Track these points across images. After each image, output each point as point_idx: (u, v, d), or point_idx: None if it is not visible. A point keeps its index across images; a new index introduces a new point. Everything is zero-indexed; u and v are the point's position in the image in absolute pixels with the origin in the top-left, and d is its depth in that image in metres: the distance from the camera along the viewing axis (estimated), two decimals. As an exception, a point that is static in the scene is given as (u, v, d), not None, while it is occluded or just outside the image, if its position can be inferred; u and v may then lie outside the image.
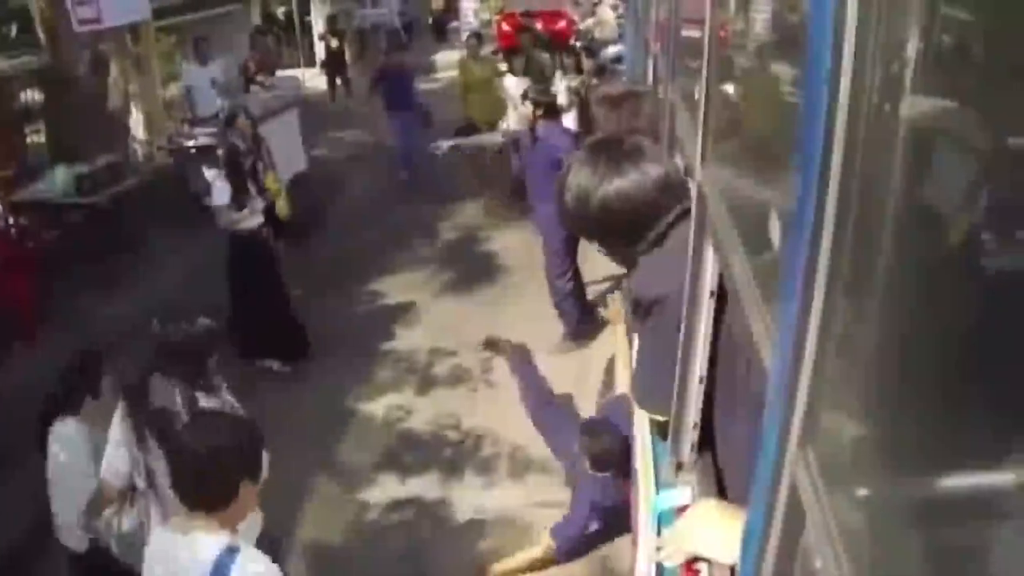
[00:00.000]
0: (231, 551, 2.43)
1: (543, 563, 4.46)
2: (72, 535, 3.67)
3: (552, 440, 4.69)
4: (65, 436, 3.53)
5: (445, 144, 8.74)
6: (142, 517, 3.47)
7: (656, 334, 2.24)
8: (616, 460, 3.98)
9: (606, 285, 7.24)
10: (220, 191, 6.19)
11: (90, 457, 3.53)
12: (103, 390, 3.66)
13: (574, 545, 4.33)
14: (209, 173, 6.21)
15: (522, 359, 5.13)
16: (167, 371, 3.47)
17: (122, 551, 3.55)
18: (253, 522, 3.29)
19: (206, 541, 2.45)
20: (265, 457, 2.69)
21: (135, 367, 3.69)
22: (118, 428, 3.42)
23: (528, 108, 6.62)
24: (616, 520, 3.91)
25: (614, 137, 2.33)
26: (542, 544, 4.52)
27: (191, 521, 2.52)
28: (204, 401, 3.44)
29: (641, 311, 2.29)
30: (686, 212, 2.17)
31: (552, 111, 6.68)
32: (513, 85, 9.60)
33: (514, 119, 9.20)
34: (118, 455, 3.41)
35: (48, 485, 3.64)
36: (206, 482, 2.48)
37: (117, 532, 3.54)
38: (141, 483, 3.42)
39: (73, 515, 3.61)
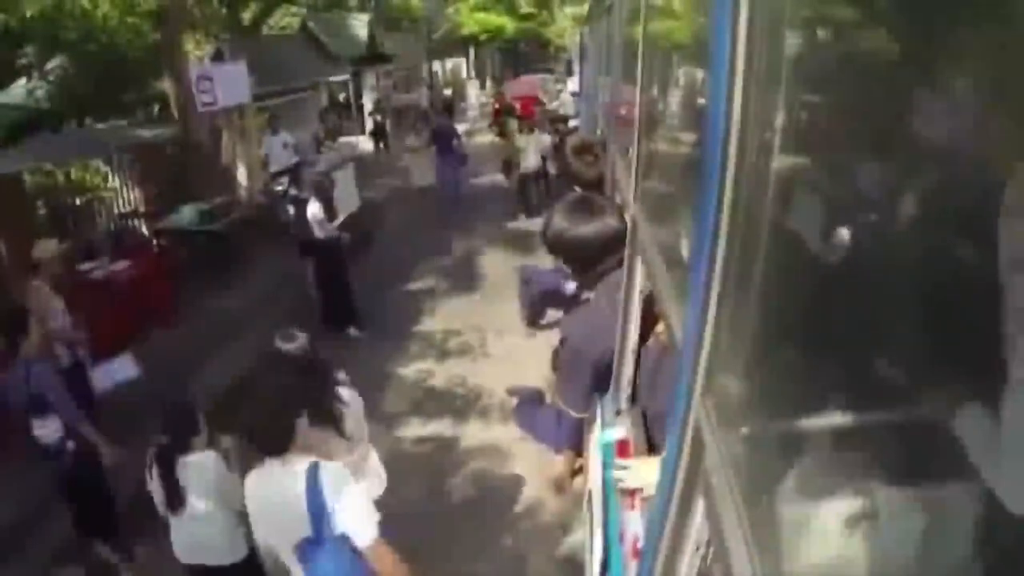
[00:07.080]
0: (314, 465, 2.20)
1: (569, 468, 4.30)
2: (226, 554, 3.00)
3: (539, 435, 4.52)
4: (192, 464, 2.94)
5: None
6: None
7: (566, 358, 2.34)
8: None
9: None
10: (317, 209, 6.48)
11: (222, 474, 2.96)
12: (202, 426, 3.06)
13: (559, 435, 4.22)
14: (312, 202, 6.53)
15: (524, 398, 4.99)
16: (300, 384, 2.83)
17: None
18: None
19: (294, 462, 2.21)
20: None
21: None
22: None
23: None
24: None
25: (587, 196, 2.38)
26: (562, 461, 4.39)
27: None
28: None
29: (560, 341, 2.40)
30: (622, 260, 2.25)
31: None
32: (522, 140, 10.90)
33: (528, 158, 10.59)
34: None
35: (187, 518, 2.95)
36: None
37: None
38: None
39: (224, 533, 2.97)
